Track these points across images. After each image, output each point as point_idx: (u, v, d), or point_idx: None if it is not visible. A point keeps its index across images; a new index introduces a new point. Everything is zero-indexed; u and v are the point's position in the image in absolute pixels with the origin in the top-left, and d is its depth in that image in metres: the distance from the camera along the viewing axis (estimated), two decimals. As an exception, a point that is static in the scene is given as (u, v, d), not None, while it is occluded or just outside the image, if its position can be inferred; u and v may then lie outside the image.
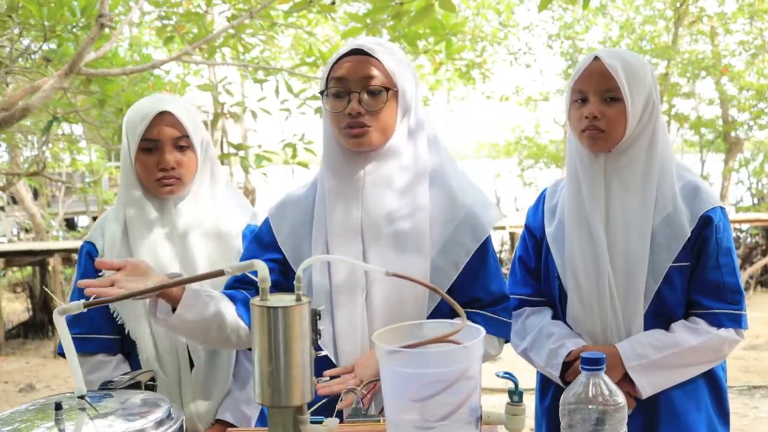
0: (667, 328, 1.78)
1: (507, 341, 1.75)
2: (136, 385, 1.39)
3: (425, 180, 1.67)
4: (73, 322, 1.86)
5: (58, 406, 1.16)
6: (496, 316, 1.68)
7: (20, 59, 4.60)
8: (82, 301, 1.17)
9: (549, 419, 1.93)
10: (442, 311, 1.64)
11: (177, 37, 5.03)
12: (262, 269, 1.14)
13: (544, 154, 14.78)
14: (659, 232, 1.77)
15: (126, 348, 1.87)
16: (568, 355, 1.80)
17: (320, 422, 1.16)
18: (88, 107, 5.18)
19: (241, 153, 6.20)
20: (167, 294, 1.57)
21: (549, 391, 1.92)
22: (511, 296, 1.83)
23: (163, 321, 1.60)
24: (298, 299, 1.14)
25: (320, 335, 1.17)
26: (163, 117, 1.82)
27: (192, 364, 1.85)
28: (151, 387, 1.47)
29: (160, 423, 1.19)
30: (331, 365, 1.62)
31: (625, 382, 1.74)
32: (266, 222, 1.79)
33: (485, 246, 1.69)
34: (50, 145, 6.74)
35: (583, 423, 1.16)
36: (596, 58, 1.78)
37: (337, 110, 1.63)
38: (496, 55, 11.63)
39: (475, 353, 1.13)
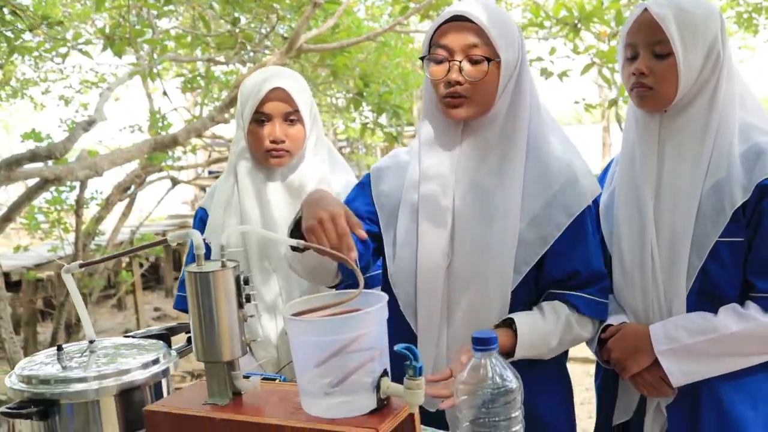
0: (716, 310, 1.56)
1: (603, 321, 1.67)
2: (164, 337, 1.61)
3: (522, 151, 1.63)
4: None
5: (60, 348, 1.42)
6: (594, 298, 1.62)
7: (267, 40, 5.15)
8: (79, 261, 1.40)
9: (599, 397, 1.80)
10: (528, 286, 1.62)
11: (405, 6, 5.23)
12: (196, 238, 1.28)
13: None
14: (706, 201, 1.54)
15: None
16: (604, 331, 1.66)
17: (248, 377, 1.28)
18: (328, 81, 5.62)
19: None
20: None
21: (600, 369, 1.78)
22: None
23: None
24: (223, 266, 1.26)
25: (250, 299, 1.27)
26: (275, 92, 1.96)
27: None
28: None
29: (145, 366, 1.41)
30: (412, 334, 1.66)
31: (660, 367, 1.57)
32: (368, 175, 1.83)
33: (581, 220, 1.61)
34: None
35: (475, 404, 1.11)
36: (646, 9, 1.58)
37: (437, 77, 1.61)
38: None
39: (371, 321, 1.15)
